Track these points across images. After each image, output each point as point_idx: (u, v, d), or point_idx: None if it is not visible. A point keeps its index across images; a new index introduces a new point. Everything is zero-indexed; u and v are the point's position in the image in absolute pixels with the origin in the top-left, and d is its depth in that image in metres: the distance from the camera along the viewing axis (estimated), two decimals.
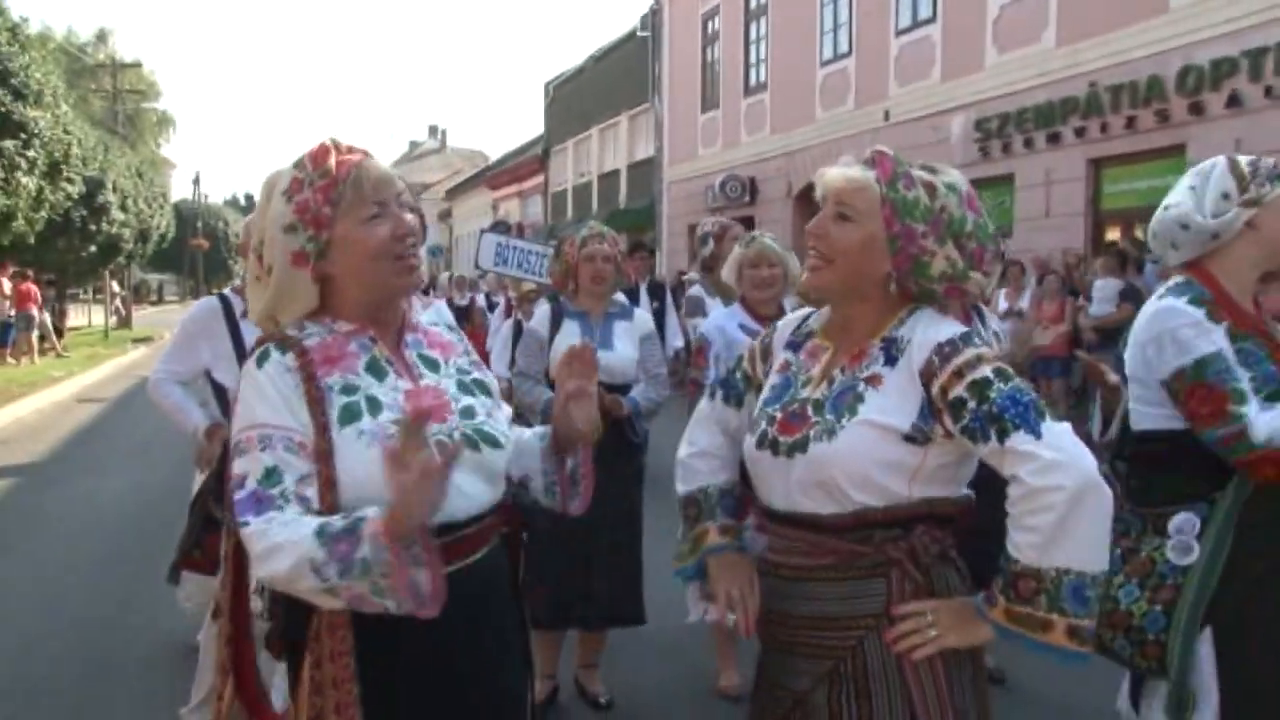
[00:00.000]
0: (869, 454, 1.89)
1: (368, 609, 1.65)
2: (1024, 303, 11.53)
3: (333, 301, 1.88)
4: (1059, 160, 13.38)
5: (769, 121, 20.63)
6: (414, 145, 68.34)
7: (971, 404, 1.83)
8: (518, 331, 5.87)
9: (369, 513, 1.64)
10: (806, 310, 2.22)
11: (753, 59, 21.44)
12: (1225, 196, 2.54)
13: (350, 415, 1.78)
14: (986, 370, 1.85)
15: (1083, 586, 1.78)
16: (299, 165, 1.85)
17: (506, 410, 2.03)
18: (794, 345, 2.15)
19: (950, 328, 1.94)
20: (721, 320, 4.44)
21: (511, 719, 1.98)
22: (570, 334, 4.24)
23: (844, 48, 18.05)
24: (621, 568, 4.27)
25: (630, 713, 4.35)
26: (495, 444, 1.90)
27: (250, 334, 3.40)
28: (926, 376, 1.89)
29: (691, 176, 23.48)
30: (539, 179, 34.77)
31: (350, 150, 1.87)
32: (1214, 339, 2.45)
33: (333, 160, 1.83)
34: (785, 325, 2.21)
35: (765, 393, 2.12)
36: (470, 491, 1.83)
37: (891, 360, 1.95)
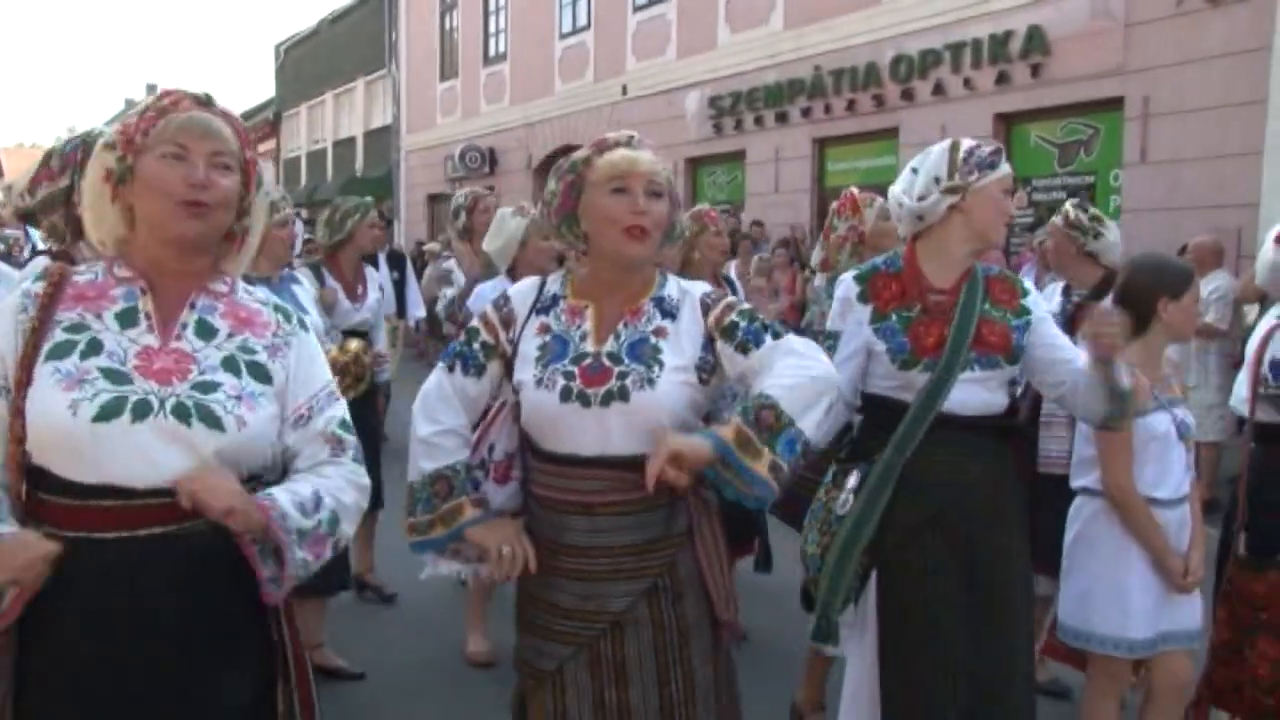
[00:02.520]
0: (682, 397, 2.21)
1: None
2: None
3: (133, 239, 1.86)
4: (787, 138, 14.04)
5: (509, 92, 20.53)
6: (129, 104, 63.50)
7: (743, 324, 2.23)
8: None
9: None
10: (534, 279, 2.41)
11: (492, 29, 21.24)
12: (936, 181, 2.75)
13: (58, 352, 1.75)
14: (747, 305, 2.30)
15: (795, 439, 2.12)
16: (154, 95, 1.87)
17: (274, 409, 1.88)
18: (543, 309, 2.31)
19: (704, 285, 2.35)
20: (490, 294, 4.41)
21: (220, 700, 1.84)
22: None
23: (583, 21, 18.19)
24: None
25: (385, 684, 4.30)
26: (213, 424, 1.77)
27: None
28: (704, 310, 2.26)
29: (430, 145, 23.06)
30: (270, 144, 33.14)
31: (206, 103, 1.86)
32: (848, 319, 2.85)
33: (169, 99, 1.84)
34: (521, 294, 2.36)
35: (535, 354, 2.26)
36: (159, 461, 1.72)
37: (668, 314, 2.26)
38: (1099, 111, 10.44)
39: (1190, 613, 3.14)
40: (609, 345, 2.23)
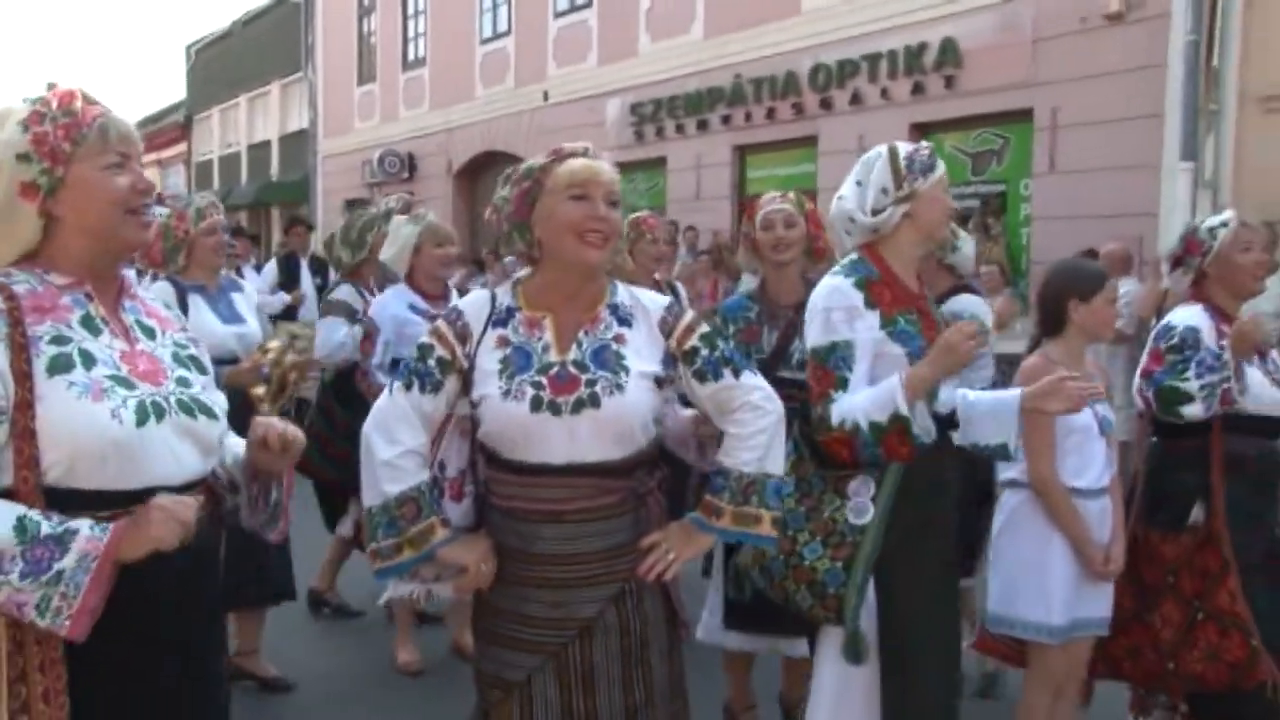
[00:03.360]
0: (647, 402, 2.30)
1: (6, 613, 1.61)
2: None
3: (50, 250, 1.80)
4: (708, 146, 14.19)
5: (428, 97, 20.38)
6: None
7: (704, 351, 2.33)
8: None
9: (83, 528, 1.62)
10: (484, 292, 2.41)
11: (411, 33, 21.06)
12: (884, 191, 2.81)
13: (60, 365, 1.71)
14: (708, 327, 2.33)
15: (780, 487, 2.37)
16: (39, 101, 1.78)
17: (221, 396, 1.98)
18: (499, 322, 2.31)
19: (657, 295, 2.43)
20: (390, 302, 4.40)
21: (215, 701, 1.95)
22: (199, 309, 4.04)
23: (503, 26, 18.15)
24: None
25: (316, 692, 4.28)
26: (210, 414, 1.87)
27: None
28: (665, 329, 2.33)
29: (348, 150, 22.75)
30: (180, 147, 32.39)
31: (95, 102, 1.82)
32: (857, 326, 2.72)
33: (79, 104, 1.78)
34: (473, 308, 2.34)
35: (496, 367, 2.26)
36: (183, 457, 1.80)
37: (624, 322, 2.32)
38: (1010, 122, 10.76)
39: (1104, 601, 3.30)
40: (573, 354, 2.26)
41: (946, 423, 2.85)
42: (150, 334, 1.90)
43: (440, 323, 2.36)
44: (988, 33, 10.69)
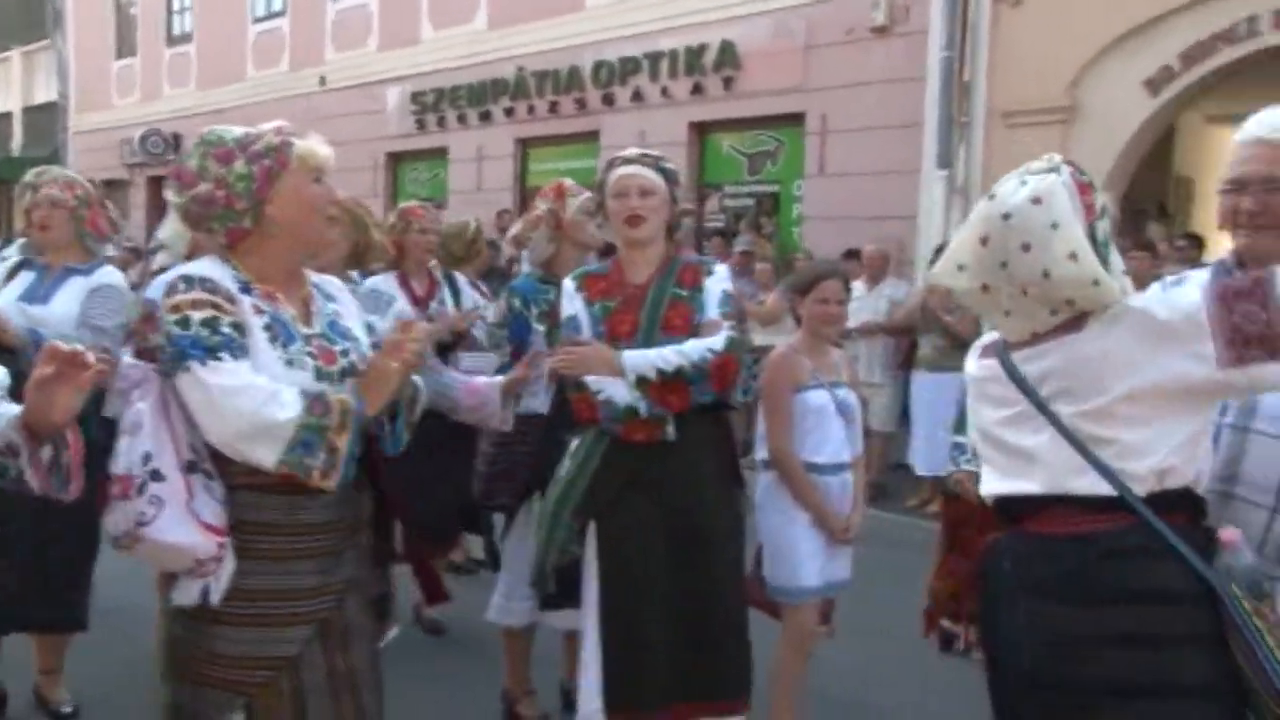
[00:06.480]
0: None
1: None
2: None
3: None
4: (490, 137, 14.11)
5: (195, 76, 19.35)
6: None
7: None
8: None
9: None
10: (209, 260, 2.30)
11: (176, 6, 19.90)
12: None
13: None
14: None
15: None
16: None
17: None
18: (245, 292, 2.23)
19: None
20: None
21: None
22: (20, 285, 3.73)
23: (277, 6, 17.44)
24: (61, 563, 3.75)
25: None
26: None
27: None
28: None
29: (105, 127, 21.29)
30: None
31: None
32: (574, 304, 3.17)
33: None
34: (220, 275, 2.23)
35: (265, 335, 2.20)
36: None
37: (330, 298, 2.40)
38: (784, 125, 11.21)
39: (847, 563, 3.64)
40: (317, 327, 2.31)
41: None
42: None
43: (198, 292, 2.17)
44: (763, 38, 11.09)
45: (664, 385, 2.96)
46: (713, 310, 3.11)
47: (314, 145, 2.30)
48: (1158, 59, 8.50)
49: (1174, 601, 1.86)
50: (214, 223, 2.25)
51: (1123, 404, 1.89)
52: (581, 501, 3.10)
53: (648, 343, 3.04)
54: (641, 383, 2.96)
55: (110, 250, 4.19)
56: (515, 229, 4.11)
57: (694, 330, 3.08)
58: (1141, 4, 8.52)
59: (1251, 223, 2.06)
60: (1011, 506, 2.07)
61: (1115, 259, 1.97)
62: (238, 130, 2.31)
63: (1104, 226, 1.98)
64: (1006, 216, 1.96)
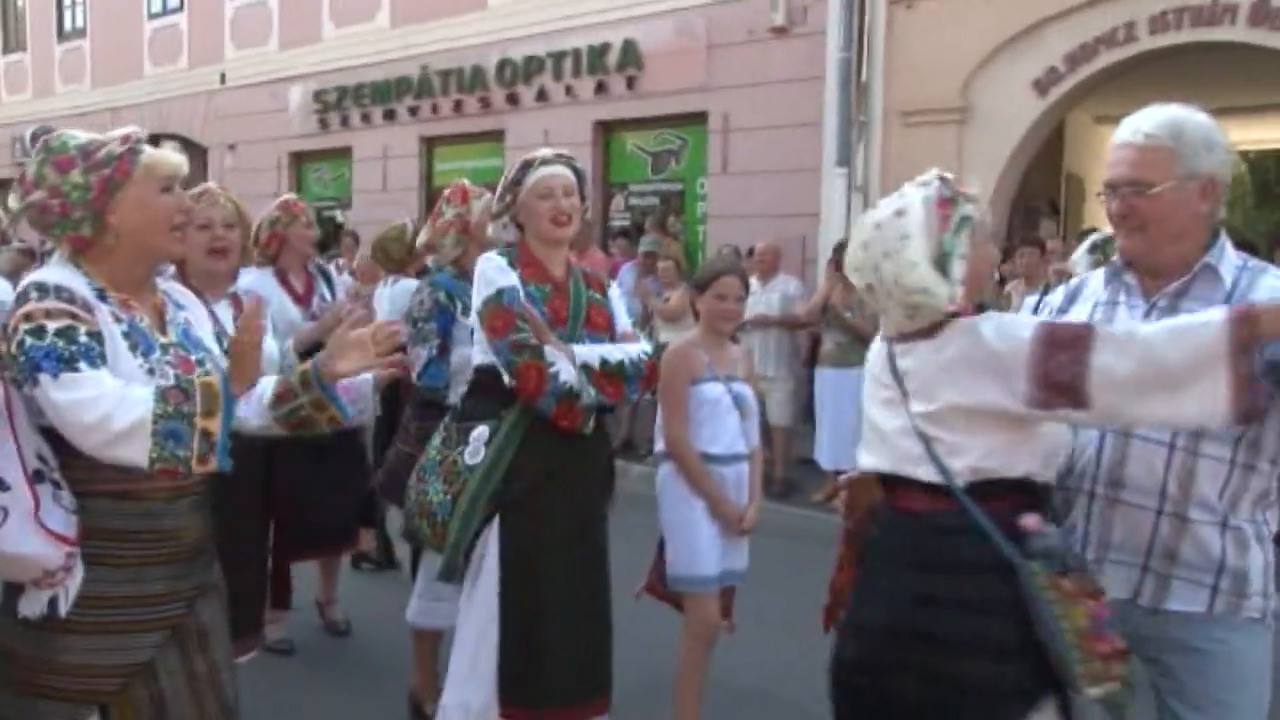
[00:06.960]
0: None
1: None
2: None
3: None
4: (395, 136, 13.99)
5: (90, 72, 18.81)
6: None
7: None
8: None
9: None
10: (63, 270, 2.22)
11: (66, 1, 19.36)
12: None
13: None
14: None
15: None
16: None
17: None
18: (101, 300, 2.20)
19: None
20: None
21: None
22: None
23: (175, 2, 17.05)
24: None
25: None
26: None
27: None
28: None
29: None
30: None
31: None
32: (511, 278, 3.10)
33: None
34: (72, 283, 2.18)
35: (124, 344, 2.17)
36: None
37: (179, 306, 2.39)
38: (687, 124, 11.33)
39: (743, 554, 3.70)
40: (172, 335, 2.30)
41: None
42: None
43: (53, 301, 2.11)
44: (666, 37, 11.19)
45: (604, 376, 3.08)
46: (624, 321, 3.33)
47: (164, 154, 2.27)
48: (1044, 61, 8.81)
49: (991, 572, 2.10)
50: (54, 229, 2.21)
51: (948, 412, 2.14)
52: (496, 491, 3.07)
53: (572, 336, 3.13)
54: (585, 369, 3.04)
55: None
56: (424, 236, 4.16)
57: (613, 334, 3.23)
58: (1028, 8, 8.82)
59: (1123, 225, 2.23)
60: (883, 481, 2.30)
61: (955, 269, 2.14)
62: (83, 137, 2.26)
63: (956, 240, 2.16)
64: (877, 226, 2.21)
